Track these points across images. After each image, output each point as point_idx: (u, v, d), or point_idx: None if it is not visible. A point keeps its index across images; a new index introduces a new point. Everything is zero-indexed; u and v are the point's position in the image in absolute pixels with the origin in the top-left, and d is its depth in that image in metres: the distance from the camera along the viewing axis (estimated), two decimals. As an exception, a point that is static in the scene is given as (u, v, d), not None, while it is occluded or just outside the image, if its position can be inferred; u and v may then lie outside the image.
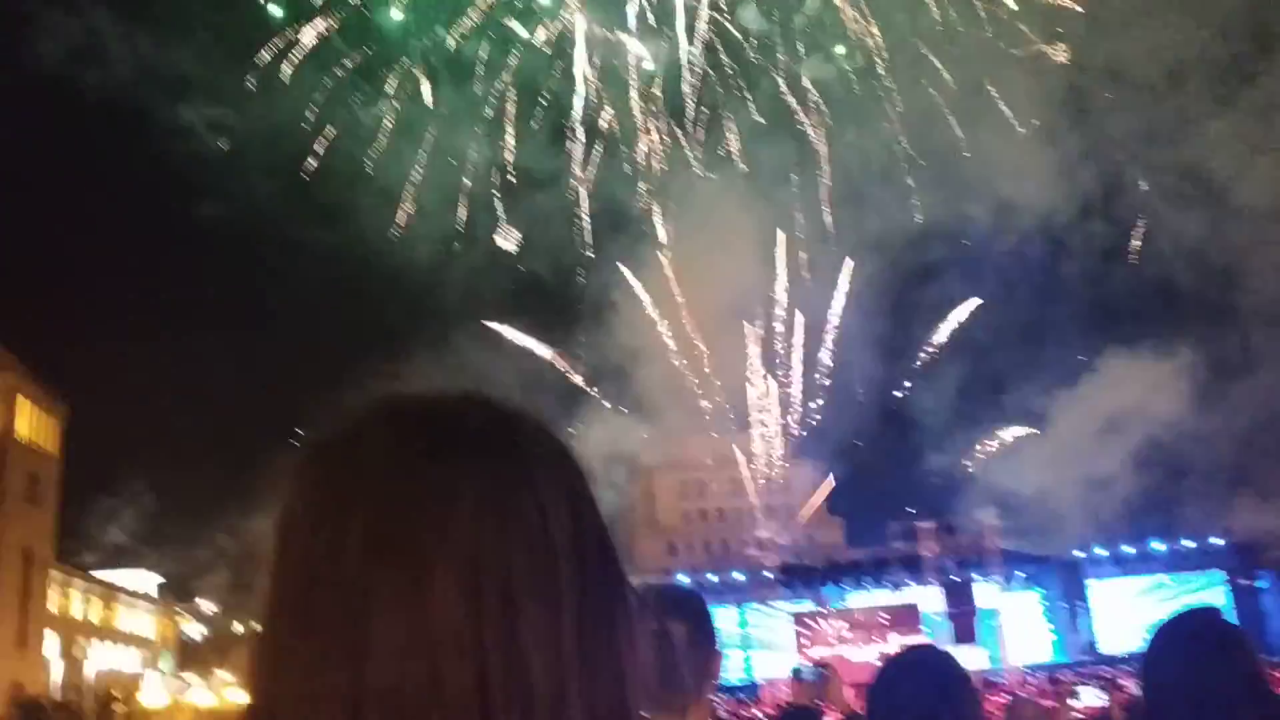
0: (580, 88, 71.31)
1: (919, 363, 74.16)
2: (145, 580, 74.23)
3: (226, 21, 67.28)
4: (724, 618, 46.96)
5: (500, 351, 69.13)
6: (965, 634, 43.75)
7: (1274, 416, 55.47)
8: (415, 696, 0.76)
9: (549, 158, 72.48)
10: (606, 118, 72.20)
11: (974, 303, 72.83)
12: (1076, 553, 54.27)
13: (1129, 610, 47.76)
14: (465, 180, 71.04)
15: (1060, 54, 66.38)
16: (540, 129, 72.07)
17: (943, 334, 74.29)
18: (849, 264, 72.24)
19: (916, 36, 69.70)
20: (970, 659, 38.26)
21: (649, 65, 72.18)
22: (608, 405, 71.21)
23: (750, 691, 43.76)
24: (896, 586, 49.97)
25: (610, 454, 63.67)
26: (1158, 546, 53.01)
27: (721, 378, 75.82)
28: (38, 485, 54.78)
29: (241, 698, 0.86)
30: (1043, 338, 72.77)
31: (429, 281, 75.52)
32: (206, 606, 79.80)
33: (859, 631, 48.44)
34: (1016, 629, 48.47)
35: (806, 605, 50.49)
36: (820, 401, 76.28)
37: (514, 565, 0.80)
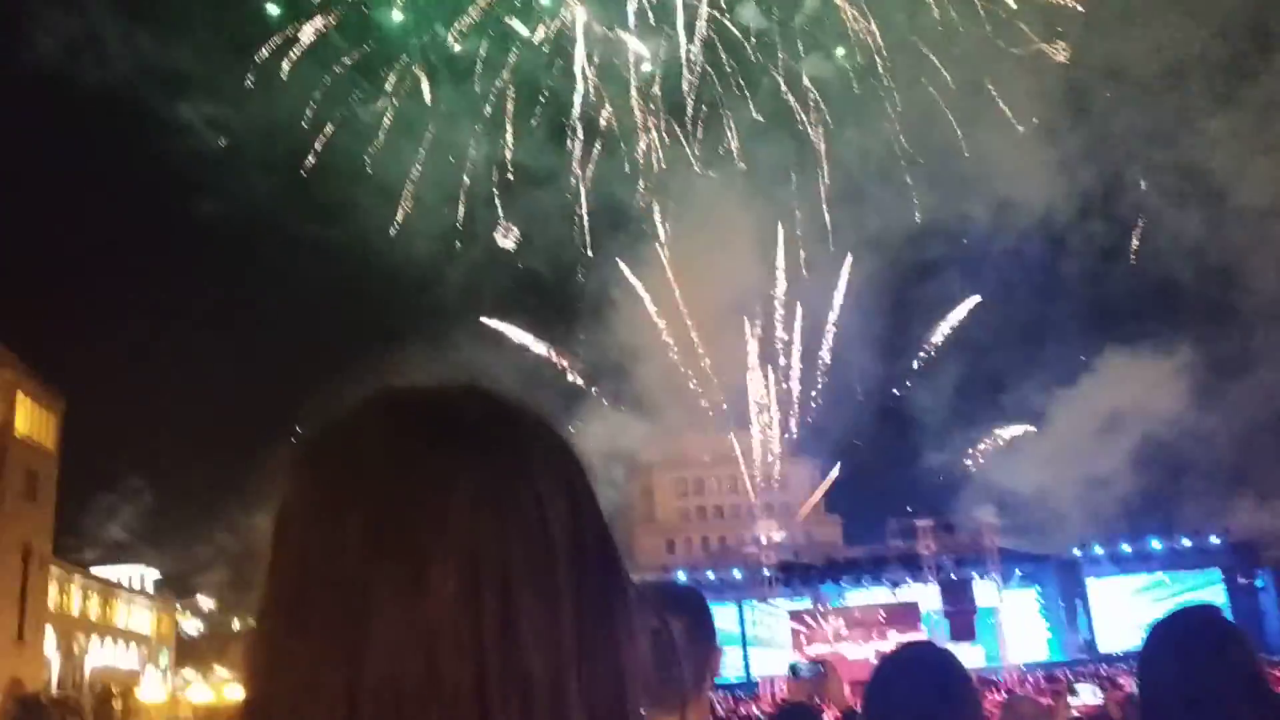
0: (580, 86, 71.31)
1: (918, 361, 74.28)
2: (143, 577, 74.29)
3: (225, 19, 67.34)
4: (723, 615, 46.98)
5: (499, 349, 69.21)
6: (963, 632, 43.81)
7: (1272, 416, 55.55)
8: (413, 692, 0.76)
9: (548, 155, 72.52)
10: (606, 116, 72.21)
11: (974, 300, 72.92)
12: (1075, 551, 54.30)
13: (1127, 609, 47.82)
14: (465, 178, 71.05)
15: (1060, 53, 66.37)
16: (540, 127, 72.09)
17: (941, 333, 74.40)
18: (849, 261, 72.30)
19: (916, 35, 69.69)
20: (968, 657, 38.28)
21: (648, 64, 72.18)
22: (606, 403, 71.32)
23: (748, 689, 43.82)
24: (895, 585, 49.99)
25: (609, 451, 63.73)
26: (1156, 545, 53.04)
27: (720, 376, 75.94)
28: (36, 482, 54.76)
29: (239, 694, 0.86)
30: (1041, 337, 72.86)
31: (428, 279, 75.56)
32: (205, 603, 79.89)
33: (857, 629, 48.51)
34: (1014, 627, 48.53)
35: (805, 603, 50.54)
36: (819, 400, 76.41)
37: (512, 559, 0.80)
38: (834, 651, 44.02)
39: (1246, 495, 54.18)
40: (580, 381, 73.43)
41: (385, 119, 69.22)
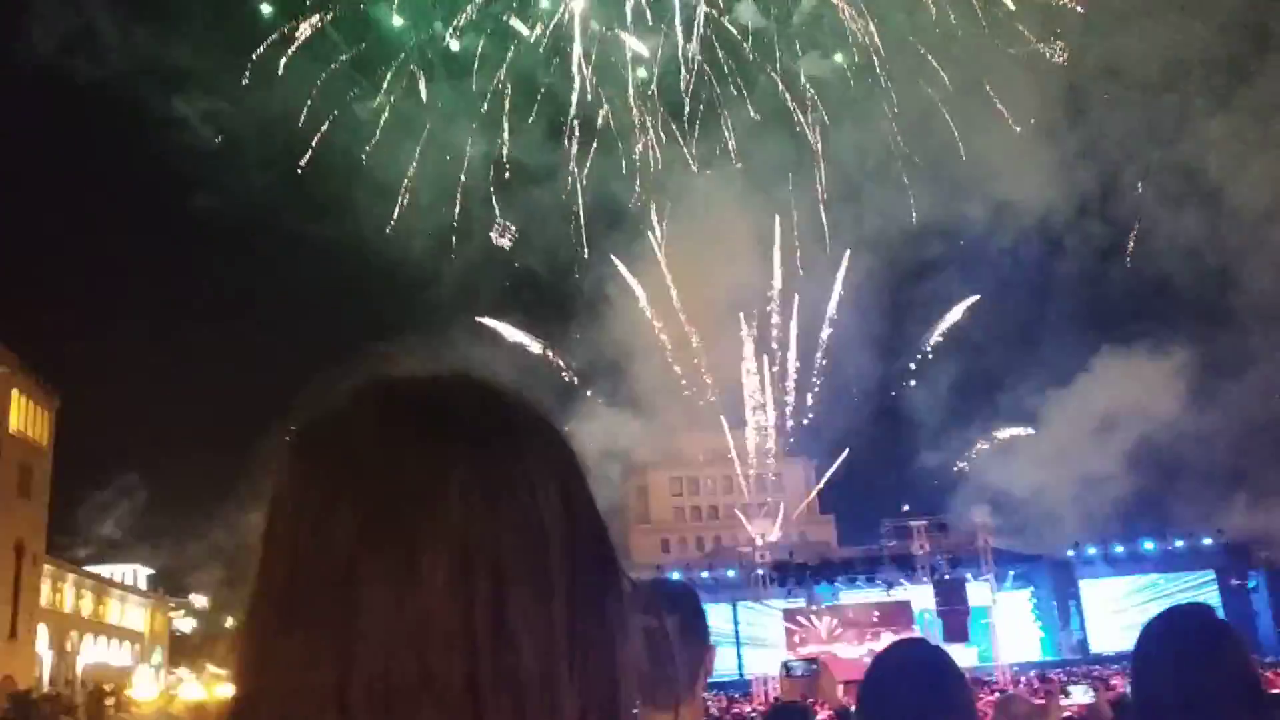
0: (577, 84, 71.27)
1: (913, 362, 74.35)
2: (137, 574, 74.14)
3: (222, 16, 67.17)
4: (716, 614, 47.03)
5: (495, 347, 69.15)
6: (957, 632, 43.85)
7: (1266, 418, 55.68)
8: (404, 685, 0.75)
9: (545, 154, 72.48)
10: (603, 114, 72.18)
11: (971, 300, 72.99)
12: (1068, 552, 54.40)
13: (1120, 609, 47.92)
14: (461, 176, 70.99)
15: (1057, 54, 66.44)
16: (537, 126, 72.04)
17: (937, 333, 74.47)
18: (845, 260, 72.35)
19: (913, 35, 69.73)
20: (962, 657, 38.33)
21: (645, 64, 72.12)
22: (602, 401, 71.30)
23: (742, 688, 43.86)
24: (889, 584, 50.05)
25: (605, 450, 63.76)
26: (1149, 546, 53.14)
27: (716, 375, 75.94)
28: (30, 478, 54.64)
29: (230, 691, 0.85)
30: (1036, 337, 72.96)
31: (424, 277, 75.45)
32: (198, 601, 79.70)
33: (851, 629, 48.57)
34: (1008, 627, 48.59)
35: (799, 602, 50.59)
36: (814, 400, 76.44)
37: (504, 549, 0.79)
38: (827, 651, 44.11)
39: (1239, 497, 54.38)
40: (576, 380, 73.47)
41: (382, 117, 69.21)
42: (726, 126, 73.83)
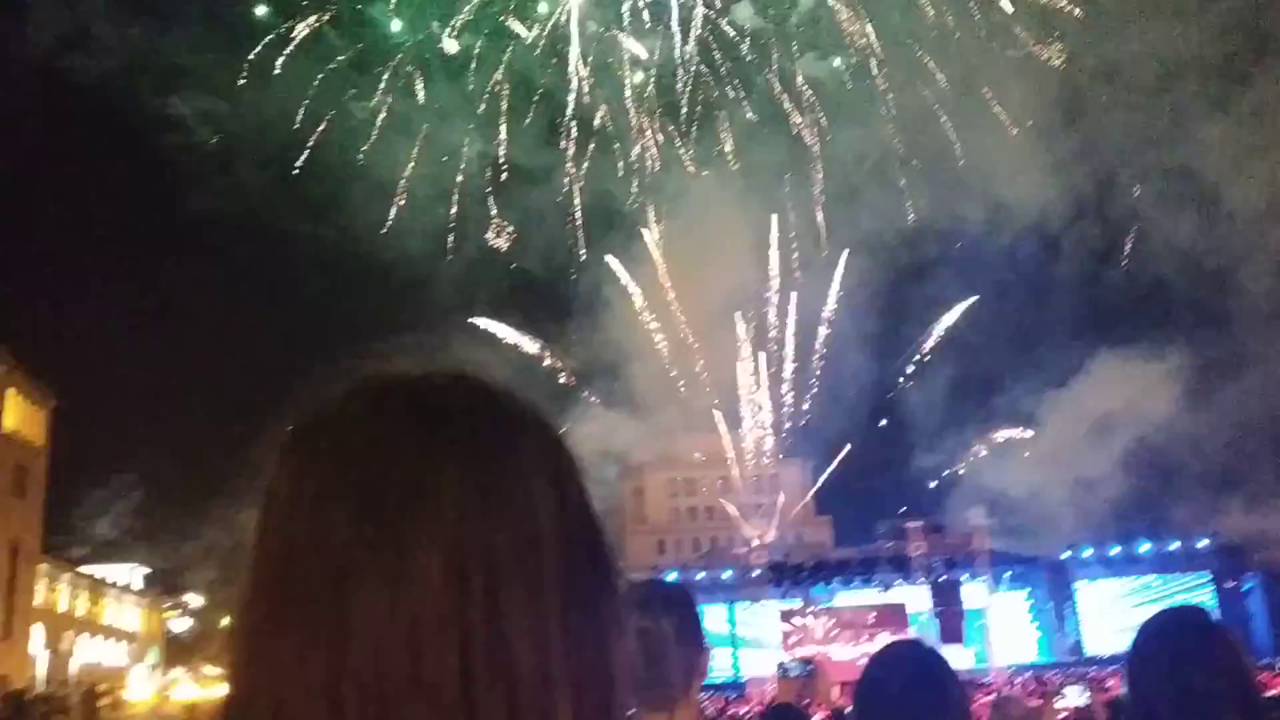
0: (574, 85, 71.28)
1: (910, 363, 74.40)
2: (132, 574, 74.03)
3: (218, 16, 67.09)
4: (712, 615, 47.01)
5: (491, 348, 69.08)
6: (952, 633, 43.88)
7: (1261, 420, 55.77)
8: (397, 683, 0.75)
9: (542, 154, 72.46)
10: (600, 115, 72.19)
11: (969, 301, 73.05)
12: (1064, 554, 54.45)
13: (1115, 611, 47.95)
14: (458, 176, 70.98)
15: (1055, 56, 66.54)
16: (534, 126, 72.03)
17: (934, 335, 74.53)
18: (843, 260, 72.41)
19: (911, 37, 69.80)
20: (957, 659, 38.32)
21: (643, 64, 72.15)
22: (596, 402, 71.29)
23: (738, 689, 43.84)
24: (885, 586, 50.04)
25: (601, 451, 63.75)
26: (1144, 548, 53.19)
27: (713, 376, 75.94)
28: (25, 478, 54.56)
29: (224, 691, 0.85)
30: (1032, 339, 73.09)
31: (420, 277, 75.39)
32: (194, 600, 79.63)
33: (846, 630, 48.55)
34: (1003, 629, 48.63)
35: (795, 604, 50.58)
36: (811, 401, 76.48)
37: (498, 546, 0.79)
38: (823, 652, 44.09)
39: (1235, 499, 54.46)
40: (572, 381, 73.44)
41: (379, 117, 69.17)
42: (724, 128, 73.92)
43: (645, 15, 71.15)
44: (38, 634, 55.46)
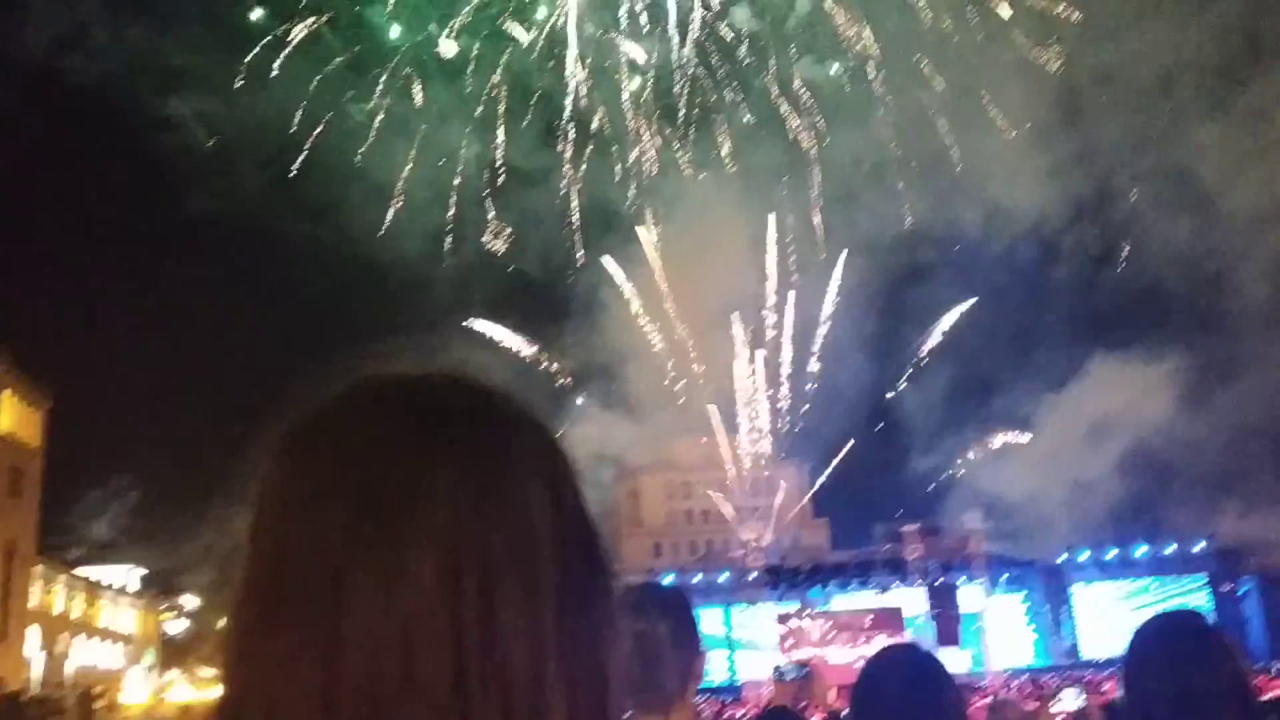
0: (572, 88, 71.31)
1: (908, 366, 74.46)
2: (128, 576, 73.92)
3: (215, 18, 67.06)
4: (709, 618, 46.98)
5: (488, 350, 69.04)
6: (949, 637, 43.87)
7: (1258, 423, 55.84)
8: (390, 685, 0.74)
9: (540, 157, 72.46)
10: (598, 118, 72.21)
11: (968, 304, 73.11)
12: (1060, 557, 54.48)
13: (1112, 614, 47.97)
14: (455, 178, 70.98)
15: (1052, 60, 66.63)
16: (531, 128, 72.04)
17: (932, 338, 74.58)
18: (841, 262, 72.46)
19: (908, 41, 69.88)
20: (953, 662, 38.30)
21: (641, 67, 72.19)
22: (593, 404, 71.29)
23: (734, 692, 43.81)
24: (881, 588, 50.06)
25: (597, 454, 63.73)
26: (1141, 551, 53.24)
27: (710, 379, 75.95)
28: (21, 479, 54.46)
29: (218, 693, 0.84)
30: (1030, 342, 73.23)
31: (417, 279, 75.41)
32: (190, 602, 79.53)
33: (843, 633, 48.52)
34: (1000, 632, 48.63)
35: (791, 606, 50.58)
36: (808, 404, 76.49)
37: (493, 549, 0.78)
38: (820, 655, 44.07)
39: (1232, 502, 54.52)
40: (569, 383, 73.42)
41: (376, 119, 69.15)
42: (721, 130, 73.97)
43: (643, 18, 71.22)
44: (33, 636, 55.34)
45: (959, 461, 69.56)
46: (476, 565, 0.77)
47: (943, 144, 69.25)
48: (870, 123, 71.41)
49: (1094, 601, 52.00)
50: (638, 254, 73.90)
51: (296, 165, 67.63)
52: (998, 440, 70.07)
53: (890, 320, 74.98)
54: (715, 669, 46.44)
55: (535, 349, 74.09)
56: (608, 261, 73.21)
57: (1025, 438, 67.66)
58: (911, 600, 48.26)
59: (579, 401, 71.37)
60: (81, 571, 66.12)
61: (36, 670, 55.00)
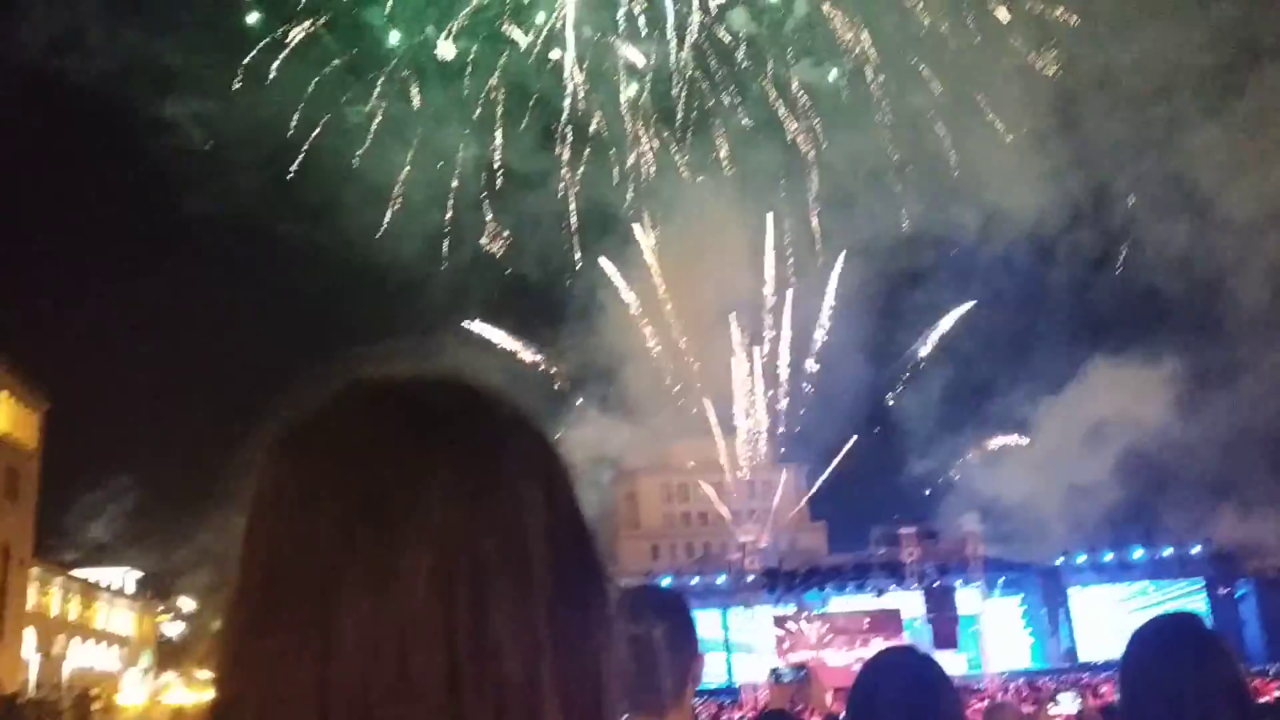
0: (570, 91, 71.33)
1: (905, 369, 74.51)
2: (125, 578, 73.81)
3: (213, 20, 67.07)
4: (706, 621, 46.97)
5: (485, 352, 69.01)
6: (946, 639, 43.89)
7: (1255, 427, 55.91)
8: (384, 688, 0.74)
9: (538, 160, 72.50)
10: (596, 121, 72.24)
11: (965, 307, 73.21)
12: (1057, 560, 54.51)
13: (1109, 617, 48.00)
14: (453, 181, 70.99)
15: (1050, 64, 66.74)
16: (529, 131, 72.07)
17: (929, 341, 74.63)
18: (839, 265, 72.53)
19: (906, 45, 69.97)
20: (951, 665, 38.27)
21: (639, 70, 72.22)
22: (591, 406, 71.31)
23: (731, 694, 43.81)
24: (878, 591, 50.06)
25: (595, 456, 63.74)
26: (1138, 554, 53.29)
27: (707, 382, 75.97)
28: (17, 481, 54.37)
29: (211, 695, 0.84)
30: (1027, 346, 73.26)
31: (415, 281, 75.47)
32: (187, 604, 79.41)
33: (840, 636, 48.53)
34: (997, 635, 48.65)
35: (788, 609, 50.57)
36: (805, 407, 76.52)
37: (486, 551, 0.78)
38: (817, 658, 44.08)
39: (1228, 505, 54.60)
40: (567, 386, 73.43)
41: (374, 121, 69.17)
42: (719, 134, 74.02)
43: (641, 22, 71.30)
44: (29, 638, 55.23)
45: (956, 464, 69.64)
46: (470, 567, 0.77)
47: (940, 147, 69.42)
48: (868, 126, 71.53)
49: (1091, 604, 52.03)
50: (635, 257, 74.03)
51: (294, 167, 67.71)
52: (995, 443, 70.18)
53: (888, 323, 75.15)
54: (713, 671, 46.43)
55: (533, 351, 74.17)
56: (605, 264, 73.32)
57: (1023, 441, 67.77)
58: (909, 603, 48.28)
59: (577, 403, 71.46)
60: (78, 573, 66.00)
61: (33, 673, 54.90)
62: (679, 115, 73.41)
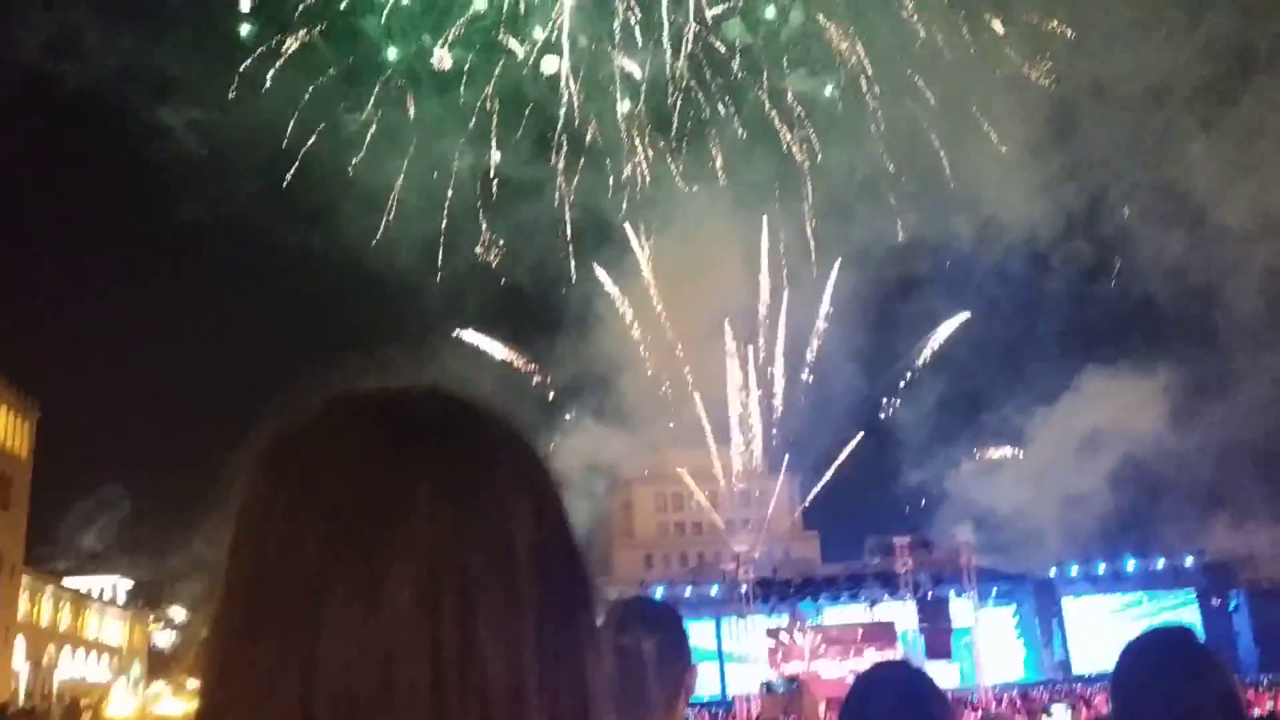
0: (565, 100, 71.44)
1: (900, 380, 74.58)
2: (116, 587, 73.55)
3: (209, 28, 67.10)
4: (700, 631, 46.89)
5: (479, 361, 68.96)
6: (939, 650, 43.85)
7: (1248, 439, 56.00)
8: (368, 700, 0.74)
9: (533, 169, 72.56)
10: (591, 131, 72.35)
11: (960, 318, 73.32)
12: (1051, 571, 54.51)
13: (1102, 628, 48.00)
14: (449, 190, 71.02)
15: (1044, 75, 67.00)
16: (525, 141, 72.14)
17: (924, 352, 74.72)
18: (834, 275, 72.64)
19: (901, 55, 70.21)
20: (944, 675, 38.31)
21: (635, 79, 72.38)
22: (585, 416, 71.19)
23: (724, 706, 43.72)
24: (872, 602, 50.00)
25: (589, 465, 63.61)
26: (1131, 566, 53.32)
27: (702, 392, 75.97)
28: (9, 489, 54.18)
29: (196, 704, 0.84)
30: (1022, 356, 73.37)
31: (410, 289, 75.40)
32: (177, 614, 79.10)
33: (834, 647, 48.42)
34: (990, 646, 48.60)
35: (782, 620, 50.49)
36: (800, 417, 76.54)
37: (472, 563, 0.78)
38: (810, 669, 43.99)
39: (1221, 517, 54.68)
40: (561, 395, 73.34)
41: (370, 130, 69.19)
42: (714, 144, 74.17)
43: (637, 32, 71.47)
44: (19, 647, 54.99)
45: (951, 475, 69.66)
46: (455, 578, 0.77)
47: (935, 158, 69.61)
48: (863, 136, 71.72)
49: (1084, 615, 52.04)
50: (630, 266, 74.07)
51: (290, 175, 67.69)
52: (989, 454, 70.23)
53: (882, 333, 75.23)
54: (706, 682, 46.33)
55: (527, 361, 74.11)
56: (600, 274, 73.35)
57: (1017, 451, 67.82)
58: (902, 613, 48.24)
59: (571, 413, 71.34)
60: (69, 582, 65.78)
61: (23, 682, 54.64)
62: (674, 125, 73.62)
